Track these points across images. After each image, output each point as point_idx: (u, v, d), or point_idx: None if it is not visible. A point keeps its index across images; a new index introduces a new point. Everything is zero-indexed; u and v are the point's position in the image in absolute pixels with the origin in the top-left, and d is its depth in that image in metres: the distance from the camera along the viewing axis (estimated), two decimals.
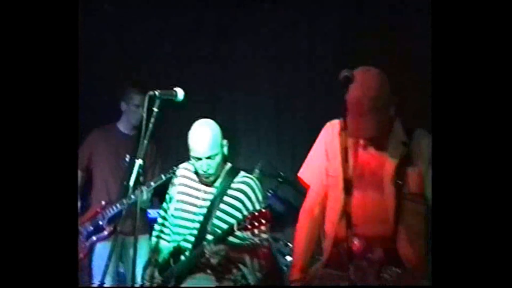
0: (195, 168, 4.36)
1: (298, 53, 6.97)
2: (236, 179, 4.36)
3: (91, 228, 5.51)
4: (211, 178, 4.32)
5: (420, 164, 3.29)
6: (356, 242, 3.13)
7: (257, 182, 4.46)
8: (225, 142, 4.32)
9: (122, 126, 5.75)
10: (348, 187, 2.88)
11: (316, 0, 6.86)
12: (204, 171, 4.25)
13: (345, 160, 2.87)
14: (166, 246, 4.45)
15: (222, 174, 4.38)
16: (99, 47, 7.32)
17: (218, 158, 4.25)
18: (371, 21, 6.71)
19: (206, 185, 4.37)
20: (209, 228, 4.25)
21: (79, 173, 5.66)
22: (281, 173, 5.86)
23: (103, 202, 5.51)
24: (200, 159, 4.21)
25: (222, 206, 4.30)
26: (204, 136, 4.22)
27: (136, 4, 7.20)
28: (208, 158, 4.20)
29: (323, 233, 3.59)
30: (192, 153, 4.25)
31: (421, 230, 3.31)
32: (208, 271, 4.22)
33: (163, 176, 5.04)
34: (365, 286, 3.37)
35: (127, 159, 5.31)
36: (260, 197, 4.39)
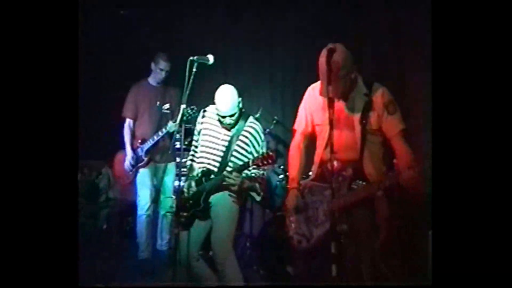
0: (219, 117, 4.68)
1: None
2: (246, 123, 4.71)
3: (133, 159, 6.07)
4: (230, 126, 4.67)
5: (377, 108, 3.73)
6: (335, 163, 3.42)
7: (260, 126, 4.80)
8: (240, 99, 4.64)
9: (151, 80, 6.20)
10: (331, 127, 3.37)
11: None
12: (227, 123, 4.64)
13: (330, 109, 3.40)
14: (197, 167, 4.78)
15: (237, 120, 4.70)
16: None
17: (236, 114, 4.63)
18: None
19: (226, 128, 4.69)
20: (228, 160, 4.61)
21: (128, 121, 6.22)
22: (275, 117, 6.45)
23: (140, 139, 6.04)
24: (224, 116, 4.61)
25: (237, 144, 4.64)
26: (227, 98, 4.57)
27: None
28: (230, 116, 4.59)
29: (310, 160, 4.05)
30: (218, 112, 4.63)
31: (379, 154, 3.83)
32: (228, 192, 4.57)
33: (189, 111, 5.25)
34: (366, 286, 3.84)
35: (157, 104, 5.79)
36: (262, 138, 4.77)
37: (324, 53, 3.59)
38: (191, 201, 4.65)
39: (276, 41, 7.52)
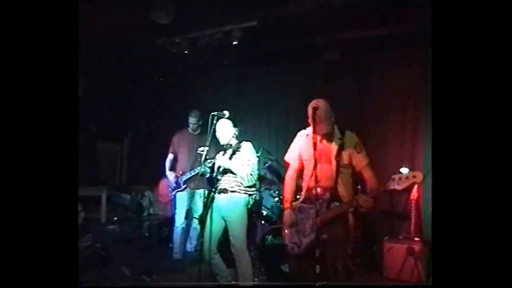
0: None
1: None
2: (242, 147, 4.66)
3: (174, 185, 6.18)
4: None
5: (347, 148, 3.76)
6: (318, 189, 3.55)
7: (251, 147, 4.75)
8: (236, 131, 4.68)
9: (190, 129, 6.31)
10: (315, 163, 3.55)
11: None
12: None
13: (314, 149, 3.55)
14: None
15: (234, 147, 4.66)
16: None
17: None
18: None
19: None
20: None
21: (170, 155, 6.38)
22: (271, 156, 6.31)
23: (180, 171, 6.17)
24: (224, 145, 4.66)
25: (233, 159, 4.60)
26: (224, 131, 4.69)
27: None
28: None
29: (300, 186, 4.05)
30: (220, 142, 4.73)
31: (349, 182, 3.82)
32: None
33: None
34: (369, 286, 4.14)
35: (194, 147, 5.74)
36: (254, 152, 4.74)
37: (310, 109, 3.68)
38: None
39: (273, 98, 7.54)
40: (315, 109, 3.64)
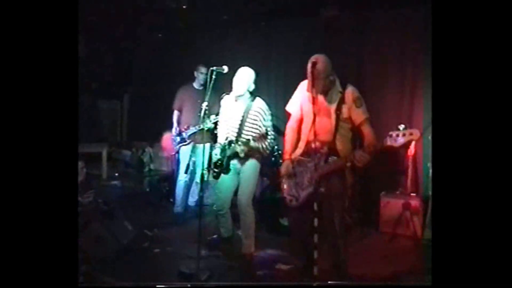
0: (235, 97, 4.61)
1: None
2: (254, 103, 4.60)
3: (179, 139, 6.17)
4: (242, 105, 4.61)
5: (347, 102, 3.74)
6: (316, 143, 3.61)
7: (266, 105, 4.66)
8: (253, 85, 4.64)
9: (195, 84, 6.24)
10: (314, 117, 3.59)
11: None
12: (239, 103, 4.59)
13: (313, 103, 3.58)
14: (221, 139, 4.77)
15: (248, 100, 4.63)
16: None
17: (244, 95, 4.60)
18: None
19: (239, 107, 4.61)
20: (242, 132, 4.53)
21: (176, 112, 6.33)
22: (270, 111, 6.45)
23: (185, 126, 6.11)
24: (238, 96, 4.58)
25: (248, 119, 4.54)
26: (242, 79, 4.59)
27: None
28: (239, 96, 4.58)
29: (299, 139, 4.02)
30: (234, 93, 4.61)
31: (348, 137, 3.83)
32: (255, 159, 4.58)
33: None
34: (367, 285, 4.01)
35: (199, 102, 5.58)
36: (268, 113, 4.62)
37: (309, 64, 3.65)
38: (218, 163, 4.62)
39: (273, 54, 7.51)
40: (314, 64, 3.61)
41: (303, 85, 3.95)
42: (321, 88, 3.71)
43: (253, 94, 4.70)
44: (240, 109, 4.62)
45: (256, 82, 4.71)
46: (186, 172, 5.78)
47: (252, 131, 4.54)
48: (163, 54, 8.82)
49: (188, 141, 6.15)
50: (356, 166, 3.58)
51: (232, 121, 4.66)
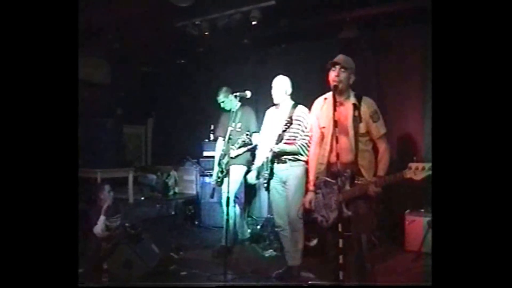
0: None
1: None
2: (295, 109, 4.61)
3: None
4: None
5: (364, 116, 3.59)
6: (339, 165, 3.38)
7: (307, 112, 4.46)
8: (290, 90, 4.71)
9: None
10: (334, 128, 3.40)
11: None
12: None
13: (332, 118, 3.41)
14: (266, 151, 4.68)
15: (289, 107, 4.65)
16: None
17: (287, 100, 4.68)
18: None
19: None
20: (284, 136, 4.47)
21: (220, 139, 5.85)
22: None
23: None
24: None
25: (290, 126, 4.45)
26: (278, 87, 4.68)
27: None
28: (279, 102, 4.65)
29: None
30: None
31: (368, 148, 3.67)
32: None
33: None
34: (370, 286, 3.81)
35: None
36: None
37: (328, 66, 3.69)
38: (263, 173, 4.62)
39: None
40: (334, 64, 3.63)
41: (319, 101, 3.91)
42: (339, 95, 3.62)
43: (295, 102, 4.69)
44: (281, 116, 4.59)
45: (293, 87, 4.74)
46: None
47: (294, 136, 4.51)
48: (185, 79, 8.90)
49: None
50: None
51: (274, 129, 4.60)
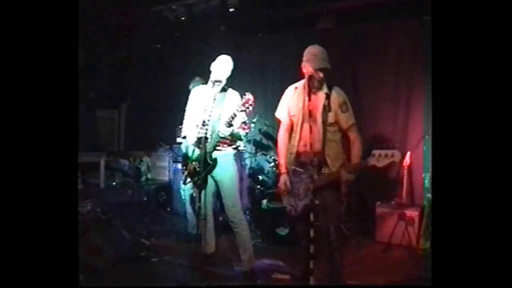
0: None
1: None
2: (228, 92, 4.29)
3: None
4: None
5: (333, 106, 3.60)
6: (307, 155, 3.61)
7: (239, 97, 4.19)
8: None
9: None
10: (302, 122, 3.61)
11: None
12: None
13: (302, 106, 3.60)
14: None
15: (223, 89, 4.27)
16: None
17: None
18: None
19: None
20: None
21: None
22: (266, 122, 6.61)
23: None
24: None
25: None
26: (225, 65, 4.29)
27: None
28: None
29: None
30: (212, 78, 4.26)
31: (335, 138, 3.72)
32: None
33: None
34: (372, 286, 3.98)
35: None
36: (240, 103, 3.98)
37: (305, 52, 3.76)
38: (199, 165, 4.13)
39: (269, 66, 7.59)
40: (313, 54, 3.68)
41: (290, 89, 3.95)
42: (311, 84, 3.65)
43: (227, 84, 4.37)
44: (216, 96, 4.25)
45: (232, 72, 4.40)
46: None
47: (242, 120, 4.10)
48: (160, 64, 8.84)
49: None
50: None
51: (207, 109, 4.20)
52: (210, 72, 4.35)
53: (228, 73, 4.32)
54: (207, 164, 4.12)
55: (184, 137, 4.45)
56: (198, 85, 5.15)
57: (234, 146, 4.39)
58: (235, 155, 4.43)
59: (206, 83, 4.46)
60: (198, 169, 4.18)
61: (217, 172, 4.22)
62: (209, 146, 4.10)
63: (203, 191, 4.12)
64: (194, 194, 4.39)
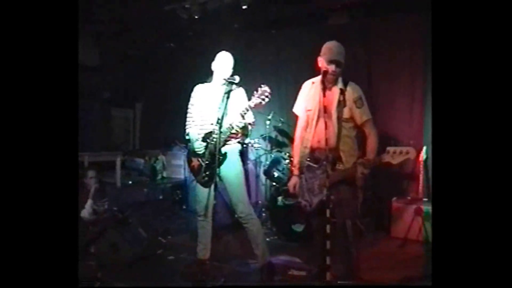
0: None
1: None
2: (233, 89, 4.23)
3: None
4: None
5: (348, 101, 3.62)
6: (321, 151, 3.53)
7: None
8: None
9: None
10: (318, 118, 3.61)
11: None
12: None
13: (318, 101, 3.60)
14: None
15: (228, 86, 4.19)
16: None
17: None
18: None
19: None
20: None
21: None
22: (281, 118, 6.64)
23: None
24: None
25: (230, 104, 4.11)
26: (227, 63, 4.29)
27: None
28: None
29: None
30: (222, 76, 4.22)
31: (350, 134, 3.71)
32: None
33: None
34: (366, 286, 3.93)
35: None
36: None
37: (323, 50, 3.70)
38: (207, 161, 4.09)
39: (283, 62, 7.57)
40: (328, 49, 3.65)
41: (307, 85, 3.94)
42: (328, 80, 3.63)
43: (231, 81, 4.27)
44: (221, 95, 4.22)
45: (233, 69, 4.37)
46: None
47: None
48: (175, 62, 8.87)
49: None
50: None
51: (214, 107, 4.20)
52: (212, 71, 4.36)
53: (231, 69, 4.31)
54: (214, 159, 4.02)
55: (188, 134, 4.38)
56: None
57: (239, 141, 4.34)
58: (240, 150, 4.38)
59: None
60: (204, 164, 4.12)
61: (223, 167, 4.16)
62: (220, 139, 4.00)
63: (206, 190, 4.16)
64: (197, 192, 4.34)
